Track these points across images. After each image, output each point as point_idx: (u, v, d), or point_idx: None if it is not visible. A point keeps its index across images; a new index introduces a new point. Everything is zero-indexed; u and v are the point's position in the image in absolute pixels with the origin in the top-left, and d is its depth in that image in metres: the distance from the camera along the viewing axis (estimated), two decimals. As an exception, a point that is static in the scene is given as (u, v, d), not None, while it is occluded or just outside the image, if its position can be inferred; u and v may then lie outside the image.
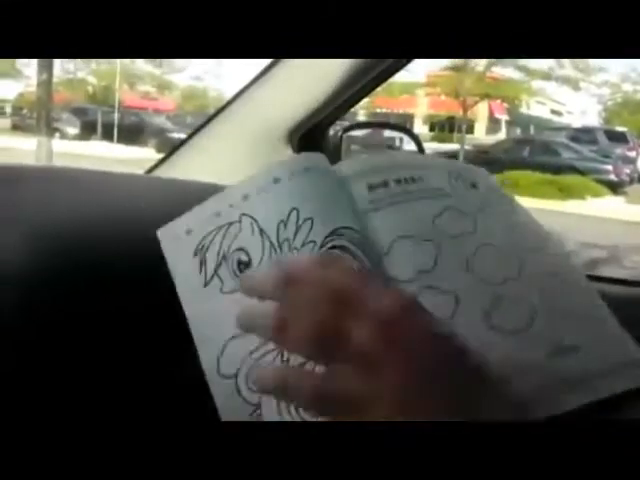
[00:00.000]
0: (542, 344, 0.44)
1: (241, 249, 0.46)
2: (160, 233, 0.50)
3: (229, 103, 0.79)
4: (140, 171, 0.88)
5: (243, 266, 0.46)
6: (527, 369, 0.42)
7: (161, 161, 0.82)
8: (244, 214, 0.46)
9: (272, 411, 0.42)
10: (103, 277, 0.56)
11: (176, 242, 0.49)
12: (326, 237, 0.44)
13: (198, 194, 0.72)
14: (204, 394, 0.44)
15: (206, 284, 0.46)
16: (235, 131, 0.79)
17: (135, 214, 0.63)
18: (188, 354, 0.46)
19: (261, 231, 0.46)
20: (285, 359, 0.42)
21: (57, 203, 0.61)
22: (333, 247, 0.44)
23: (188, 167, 0.80)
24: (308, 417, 0.39)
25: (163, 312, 0.59)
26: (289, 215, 0.45)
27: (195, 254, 0.47)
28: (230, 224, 0.47)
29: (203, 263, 0.47)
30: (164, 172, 0.81)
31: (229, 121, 0.79)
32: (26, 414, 0.46)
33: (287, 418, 0.41)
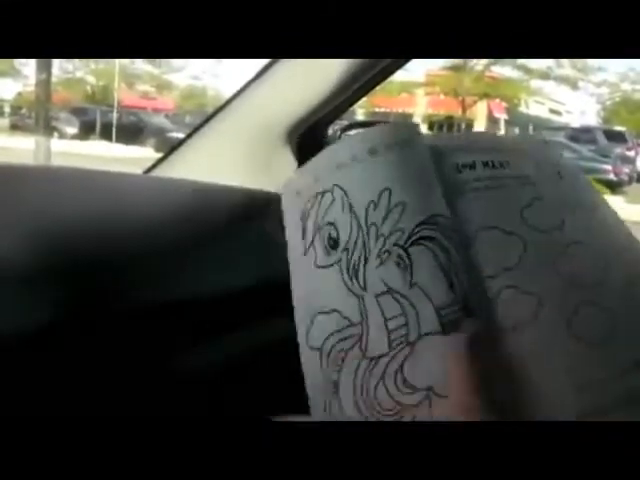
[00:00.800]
0: (620, 358, 0.41)
1: (332, 224, 0.43)
2: (283, 190, 0.47)
3: (228, 102, 0.78)
4: (139, 170, 0.88)
5: (332, 242, 0.43)
6: (597, 384, 0.40)
7: (160, 160, 0.82)
8: (336, 184, 0.43)
9: (348, 396, 0.41)
10: (101, 276, 0.56)
11: (290, 203, 0.46)
12: (416, 226, 0.42)
13: (197, 194, 0.73)
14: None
15: (305, 252, 0.45)
16: (234, 130, 0.79)
17: (134, 214, 0.63)
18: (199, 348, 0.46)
19: (350, 207, 0.43)
20: (364, 347, 0.41)
21: (55, 203, 0.61)
22: (423, 238, 0.42)
23: (187, 167, 0.80)
24: (380, 408, 0.40)
25: (163, 310, 0.59)
26: (380, 195, 0.42)
27: (301, 219, 0.45)
28: (325, 192, 0.44)
29: (305, 230, 0.45)
30: (163, 172, 0.81)
31: (228, 120, 0.79)
32: (39, 411, 0.46)
33: (361, 405, 0.40)
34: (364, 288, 0.42)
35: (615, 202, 10.20)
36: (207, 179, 0.73)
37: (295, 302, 0.45)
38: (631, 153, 14.41)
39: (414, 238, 0.41)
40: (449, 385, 0.39)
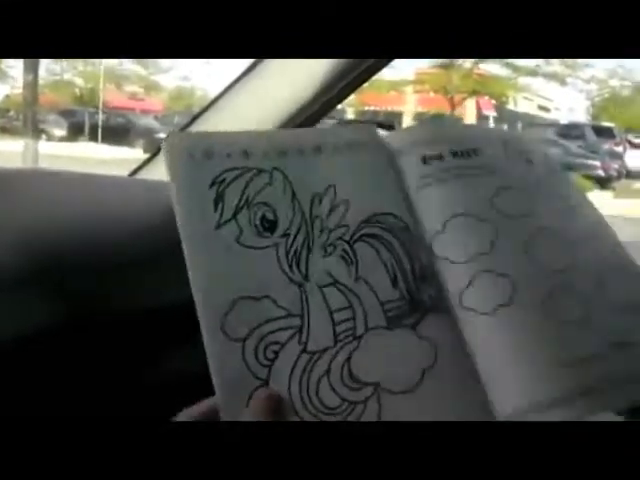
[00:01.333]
0: (596, 341, 0.41)
1: (267, 205, 0.42)
2: (167, 143, 0.42)
3: (215, 101, 0.78)
4: (128, 171, 0.87)
5: (267, 224, 0.41)
6: (591, 359, 0.40)
7: (145, 162, 0.82)
8: (277, 168, 0.43)
9: (281, 393, 0.38)
10: (86, 279, 0.56)
11: (189, 160, 0.41)
12: (361, 223, 0.43)
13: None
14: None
15: (219, 226, 0.41)
16: (221, 129, 0.78)
17: (119, 216, 0.63)
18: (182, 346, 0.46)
19: (293, 195, 0.42)
20: (304, 340, 0.39)
21: (41, 207, 0.60)
22: (367, 235, 0.43)
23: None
24: (319, 403, 0.39)
25: (150, 312, 0.59)
26: (326, 191, 0.43)
27: (211, 186, 0.41)
28: (260, 171, 0.42)
29: (220, 200, 0.41)
30: (149, 173, 0.80)
31: (215, 119, 0.78)
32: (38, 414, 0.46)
33: (297, 403, 0.39)
34: (306, 277, 0.41)
35: (604, 197, 10.27)
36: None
37: (199, 282, 0.40)
38: (619, 149, 14.51)
39: (358, 234, 0.42)
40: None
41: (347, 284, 0.41)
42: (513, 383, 0.39)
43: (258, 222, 0.41)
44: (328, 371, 0.39)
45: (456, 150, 0.46)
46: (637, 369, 0.41)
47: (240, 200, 0.41)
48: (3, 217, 0.56)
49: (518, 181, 0.47)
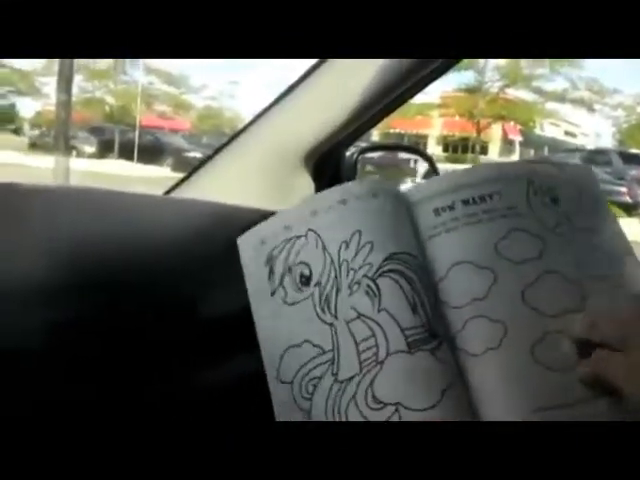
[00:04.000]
0: (581, 387, 0.42)
1: (304, 263, 0.49)
2: (240, 241, 0.53)
3: (248, 125, 0.79)
4: (156, 189, 0.89)
5: (304, 279, 0.48)
6: (573, 405, 0.42)
7: (180, 182, 0.83)
8: (310, 229, 0.49)
9: (320, 419, 0.45)
10: (121, 296, 0.57)
11: (252, 251, 0.52)
12: (383, 261, 0.46)
13: (216, 215, 0.73)
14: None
15: (273, 293, 0.49)
16: (253, 153, 0.80)
17: (154, 235, 0.64)
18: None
19: (324, 248, 0.48)
20: (336, 371, 0.45)
21: (76, 224, 0.61)
22: (389, 270, 0.46)
23: (206, 188, 0.81)
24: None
25: (182, 329, 0.60)
26: (352, 236, 0.47)
27: (266, 263, 0.50)
28: (298, 237, 0.49)
29: (272, 272, 0.50)
30: (182, 193, 0.82)
31: (247, 143, 0.80)
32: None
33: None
34: (335, 316, 0.46)
35: (630, 224, 10.13)
36: (227, 200, 0.74)
37: (262, 341, 0.49)
38: (647, 176, 14.31)
39: (381, 271, 0.46)
40: None
41: (370, 316, 0.45)
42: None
43: (297, 279, 0.49)
44: (354, 395, 0.44)
45: (468, 198, 0.48)
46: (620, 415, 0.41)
47: (284, 268, 0.49)
48: (36, 232, 0.57)
49: (532, 223, 0.48)
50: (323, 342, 0.46)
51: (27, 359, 0.49)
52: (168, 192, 0.84)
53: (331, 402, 0.45)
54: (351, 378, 0.44)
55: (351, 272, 0.47)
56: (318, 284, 0.48)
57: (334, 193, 0.49)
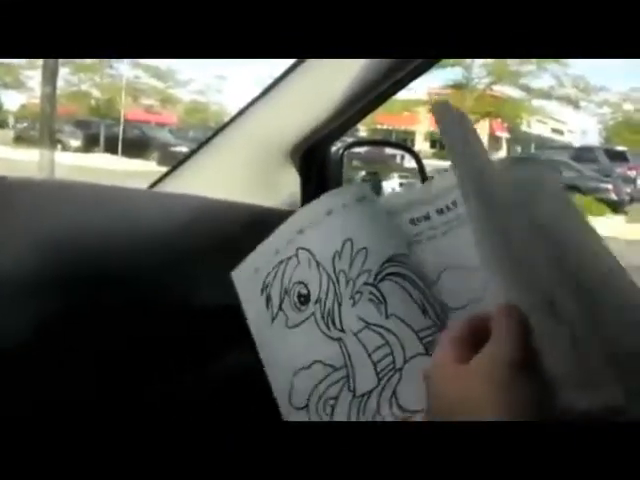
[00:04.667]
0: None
1: (300, 282, 0.48)
2: (234, 275, 0.51)
3: (233, 119, 0.79)
4: (142, 184, 0.89)
5: (303, 299, 0.47)
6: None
7: (164, 176, 0.83)
8: (300, 248, 0.48)
9: None
10: (105, 289, 0.57)
11: (247, 282, 0.50)
12: (382, 265, 0.46)
13: (201, 209, 0.73)
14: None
15: (273, 319, 0.48)
16: (238, 147, 0.80)
17: (138, 228, 0.64)
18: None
19: (317, 264, 0.47)
20: (352, 387, 0.44)
21: (61, 217, 0.61)
22: (390, 274, 0.45)
23: (191, 182, 0.81)
24: None
25: (163, 323, 0.60)
26: (343, 246, 0.47)
27: (262, 292, 0.49)
28: (289, 259, 0.48)
29: (269, 300, 0.49)
30: (167, 187, 0.82)
31: (233, 137, 0.80)
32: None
33: None
34: (342, 330, 0.45)
35: (616, 221, 10.21)
36: (211, 194, 0.74)
37: (269, 370, 0.48)
38: (632, 173, 14.43)
39: (382, 275, 0.46)
40: None
41: (379, 323, 0.44)
42: None
43: (296, 300, 0.47)
44: (378, 409, 0.43)
45: (442, 207, 0.49)
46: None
47: (281, 293, 0.48)
48: (22, 226, 0.57)
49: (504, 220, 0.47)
50: (334, 359, 0.45)
51: (12, 352, 0.49)
52: (153, 186, 0.84)
53: (354, 419, 0.43)
54: (371, 391, 0.43)
55: (350, 282, 0.46)
56: (318, 301, 0.46)
57: (317, 206, 0.48)
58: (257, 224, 0.55)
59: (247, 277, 0.50)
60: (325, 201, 0.48)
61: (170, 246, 0.64)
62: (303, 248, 0.48)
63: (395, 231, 0.48)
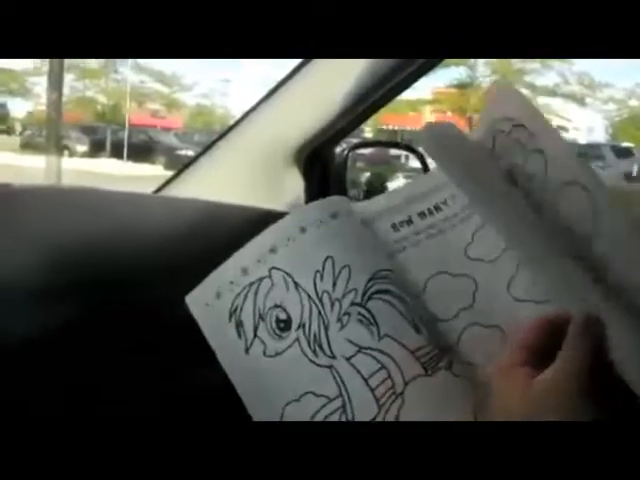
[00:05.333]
0: None
1: (278, 306, 0.43)
2: (189, 299, 0.45)
3: (237, 123, 0.80)
4: (149, 188, 0.89)
5: (283, 324, 0.43)
6: None
7: (169, 180, 0.84)
8: (274, 267, 0.43)
9: None
10: (112, 294, 0.57)
11: (207, 308, 0.44)
12: (367, 282, 0.43)
13: (206, 213, 0.73)
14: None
15: (247, 349, 0.43)
16: (243, 150, 0.80)
17: (144, 233, 0.64)
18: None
19: (296, 285, 0.43)
20: (351, 417, 0.40)
21: (68, 223, 0.62)
22: (377, 292, 0.43)
23: (196, 186, 0.81)
24: None
25: (172, 327, 0.60)
26: (324, 264, 0.43)
27: (230, 318, 0.43)
28: (260, 280, 0.43)
29: (240, 326, 0.43)
30: (172, 191, 0.82)
31: (237, 140, 0.80)
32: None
33: None
34: (332, 356, 0.41)
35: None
36: (216, 198, 0.74)
37: (249, 407, 0.42)
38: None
39: (369, 294, 0.42)
40: None
41: (372, 346, 0.41)
42: None
43: (274, 326, 0.43)
44: None
45: (423, 210, 0.47)
46: None
47: (255, 318, 0.43)
48: (28, 233, 0.58)
49: (495, 216, 0.45)
50: (326, 389, 0.41)
51: (14, 356, 0.49)
52: (158, 190, 0.84)
53: None
54: (372, 420, 0.40)
55: (336, 303, 0.42)
56: (301, 326, 0.42)
57: (289, 223, 0.44)
58: (262, 227, 0.55)
59: (206, 303, 0.44)
60: (298, 217, 0.44)
61: (176, 250, 0.64)
62: (277, 268, 0.43)
63: (376, 244, 0.45)
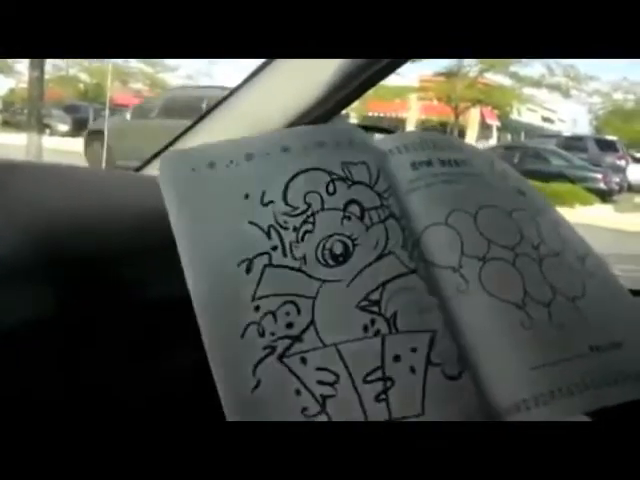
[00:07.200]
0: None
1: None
2: (162, 163, 0.43)
3: (221, 102, 0.79)
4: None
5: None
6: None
7: (149, 160, 0.82)
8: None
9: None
10: (88, 273, 0.56)
11: (193, 174, 0.42)
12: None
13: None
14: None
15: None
16: (225, 131, 0.79)
17: (124, 212, 0.63)
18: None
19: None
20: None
21: (45, 200, 0.60)
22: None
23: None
24: None
25: (148, 308, 0.59)
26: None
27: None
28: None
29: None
30: (154, 170, 0.81)
31: (221, 119, 0.79)
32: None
33: None
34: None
35: (605, 211, 10.27)
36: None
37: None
38: (622, 162, 14.51)
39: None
40: None
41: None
42: (504, 379, 0.40)
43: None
44: None
45: (444, 159, 0.47)
46: (613, 372, 0.41)
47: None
48: (7, 209, 0.57)
49: (502, 204, 0.47)
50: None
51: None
52: (139, 169, 0.83)
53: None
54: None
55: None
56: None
57: (273, 138, 0.43)
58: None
59: (195, 167, 0.42)
60: (284, 137, 0.44)
61: (154, 230, 0.63)
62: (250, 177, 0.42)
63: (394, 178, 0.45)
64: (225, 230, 0.41)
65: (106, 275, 0.57)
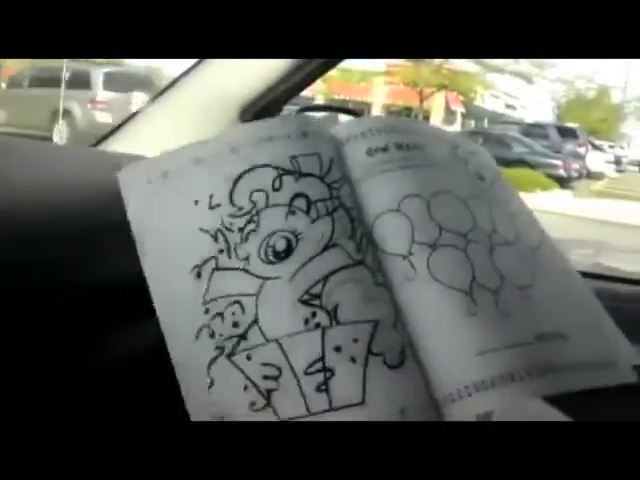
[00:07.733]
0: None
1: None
2: (121, 176, 0.45)
3: (181, 76, 0.77)
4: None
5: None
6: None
7: (108, 135, 0.81)
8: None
9: None
10: (40, 250, 0.55)
11: (149, 186, 0.44)
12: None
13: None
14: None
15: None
16: (186, 105, 0.78)
17: (78, 188, 0.62)
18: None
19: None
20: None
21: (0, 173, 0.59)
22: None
23: (137, 141, 0.79)
24: None
25: (103, 287, 0.58)
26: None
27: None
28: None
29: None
30: (112, 145, 0.79)
31: (180, 95, 0.78)
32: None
33: None
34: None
35: (563, 197, 10.47)
36: (157, 153, 0.72)
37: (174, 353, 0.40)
38: (582, 150, 14.79)
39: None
40: None
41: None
42: (447, 366, 0.40)
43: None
44: None
45: (401, 143, 0.46)
46: (556, 361, 0.42)
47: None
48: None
49: (459, 185, 0.47)
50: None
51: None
52: (96, 144, 0.81)
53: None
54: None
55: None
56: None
57: (255, 131, 0.44)
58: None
59: (151, 179, 0.44)
60: (267, 125, 0.45)
61: (110, 206, 0.62)
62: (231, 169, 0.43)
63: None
64: (178, 240, 0.42)
65: (54, 253, 0.56)
